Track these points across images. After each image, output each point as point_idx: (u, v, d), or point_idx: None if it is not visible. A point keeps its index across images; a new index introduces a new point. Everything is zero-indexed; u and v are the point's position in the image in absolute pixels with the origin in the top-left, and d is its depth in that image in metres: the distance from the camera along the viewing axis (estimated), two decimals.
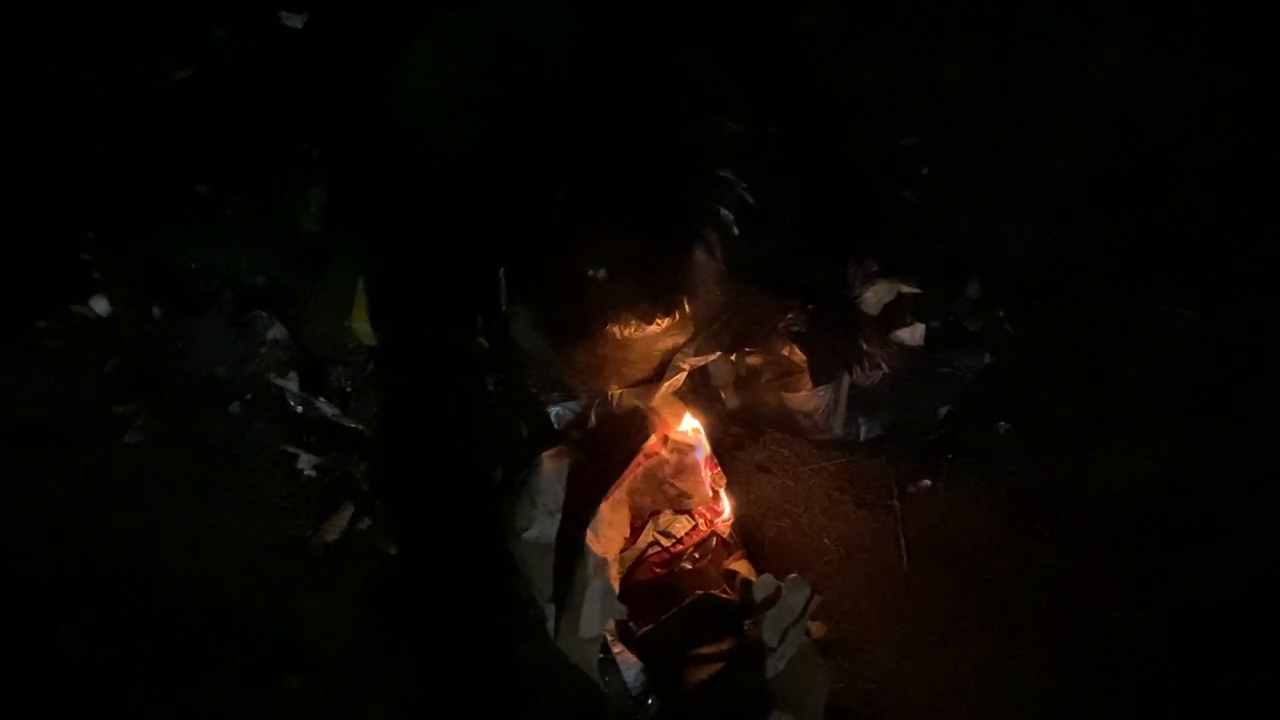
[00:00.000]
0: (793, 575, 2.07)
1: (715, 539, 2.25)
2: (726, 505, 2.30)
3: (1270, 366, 2.59)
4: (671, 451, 2.26)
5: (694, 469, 2.26)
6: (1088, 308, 2.66)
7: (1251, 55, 2.88)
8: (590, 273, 2.16)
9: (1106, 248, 2.73)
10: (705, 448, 2.31)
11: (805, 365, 2.33)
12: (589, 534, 2.11)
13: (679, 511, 2.26)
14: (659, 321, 2.18)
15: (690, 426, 2.30)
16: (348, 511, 2.34)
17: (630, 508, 2.26)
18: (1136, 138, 2.84)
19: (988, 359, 2.35)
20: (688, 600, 2.15)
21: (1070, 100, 2.86)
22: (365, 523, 2.34)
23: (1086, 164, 2.82)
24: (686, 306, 2.18)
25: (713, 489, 2.29)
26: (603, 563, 2.07)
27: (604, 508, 2.17)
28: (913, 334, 2.31)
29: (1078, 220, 2.76)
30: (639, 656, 2.12)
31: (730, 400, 2.48)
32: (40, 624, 2.26)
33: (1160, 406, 2.55)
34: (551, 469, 2.28)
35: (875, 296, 2.34)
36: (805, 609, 2.05)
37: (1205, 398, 2.56)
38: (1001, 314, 2.39)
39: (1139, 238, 2.73)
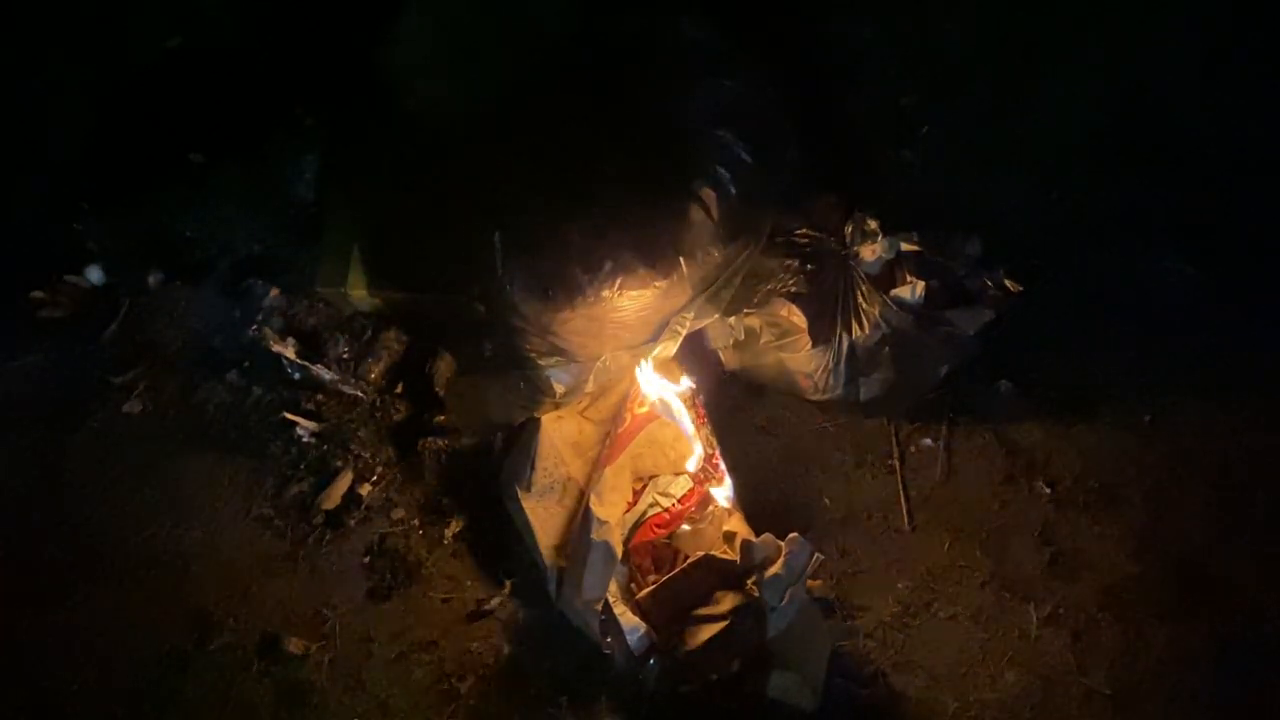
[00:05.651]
0: (793, 535, 2.07)
1: (714, 499, 2.24)
2: (723, 467, 2.29)
3: (1272, 322, 2.59)
4: (668, 413, 2.25)
5: (689, 430, 2.25)
6: (1089, 265, 2.65)
7: (1253, 12, 2.85)
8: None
9: (1108, 205, 2.72)
10: (699, 409, 2.31)
11: (804, 326, 2.32)
12: (592, 497, 2.11)
13: (677, 473, 2.26)
14: (656, 284, 2.16)
15: (686, 388, 2.29)
16: (347, 477, 2.34)
17: (631, 471, 2.25)
18: (1136, 95, 2.82)
19: (988, 317, 2.34)
20: (689, 561, 2.15)
21: (1070, 58, 2.84)
22: (364, 488, 2.34)
23: (1087, 121, 2.81)
24: (684, 268, 2.16)
25: (709, 450, 2.29)
26: (605, 526, 2.07)
27: (607, 471, 2.17)
28: (913, 293, 2.30)
29: (1078, 178, 2.75)
30: (641, 617, 2.12)
31: (729, 362, 2.47)
32: (43, 595, 2.27)
33: (1161, 363, 2.56)
34: (552, 432, 2.28)
35: (874, 255, 2.32)
36: (806, 568, 2.05)
37: (1207, 353, 2.56)
38: (1002, 272, 2.37)
39: (1140, 194, 2.72)
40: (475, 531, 2.34)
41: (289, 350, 2.38)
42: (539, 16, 2.38)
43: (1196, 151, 2.75)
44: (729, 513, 2.25)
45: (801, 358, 2.34)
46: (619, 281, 2.15)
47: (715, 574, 2.13)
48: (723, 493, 2.25)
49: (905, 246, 2.33)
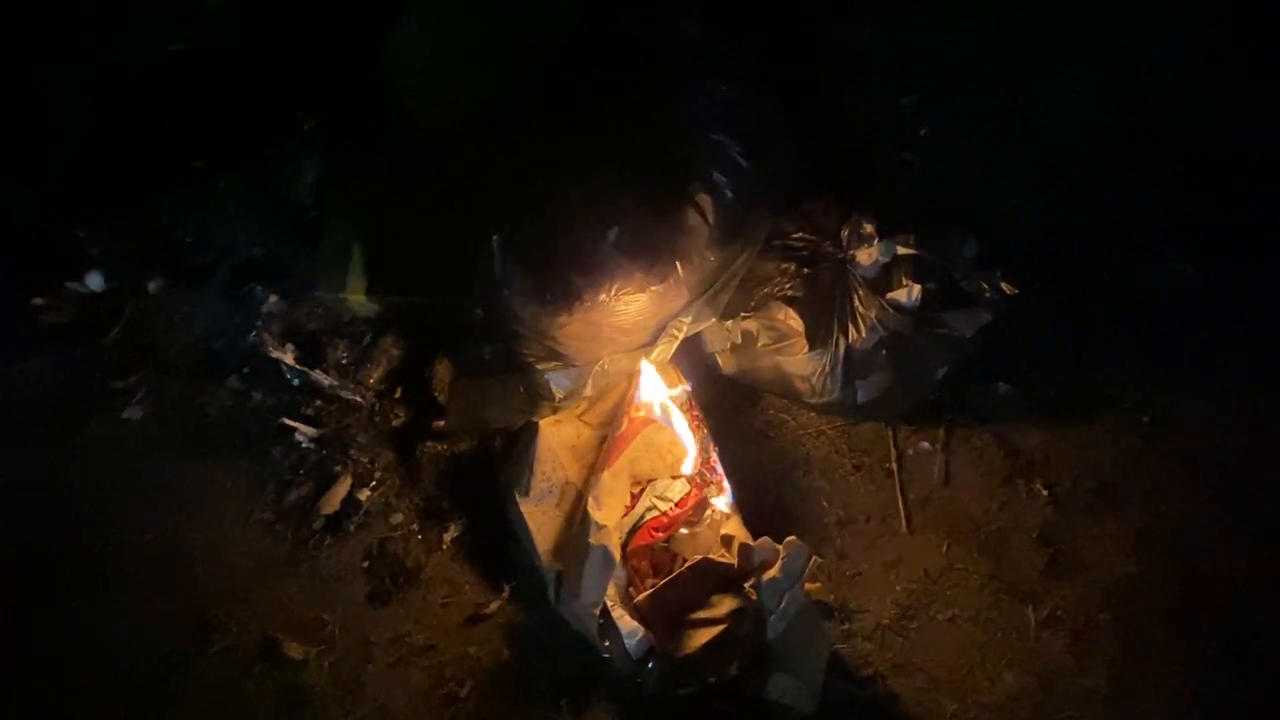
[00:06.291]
0: (791, 538, 2.07)
1: (712, 503, 2.25)
2: (720, 471, 2.29)
3: (1272, 322, 2.58)
4: (664, 417, 2.25)
5: (684, 434, 2.26)
6: (1087, 266, 2.64)
7: (1253, 12, 2.83)
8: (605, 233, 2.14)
9: (1106, 205, 2.71)
10: (695, 412, 2.31)
11: (801, 329, 2.32)
12: (590, 501, 2.12)
13: (675, 477, 2.26)
14: (653, 288, 2.16)
15: (681, 391, 2.29)
16: (346, 482, 2.35)
17: (629, 475, 2.26)
18: (1136, 95, 2.81)
19: (986, 319, 2.33)
20: (687, 565, 2.16)
21: (1070, 58, 2.82)
22: (364, 493, 2.35)
23: (1085, 121, 2.80)
24: (680, 272, 2.16)
25: (704, 453, 2.29)
26: (603, 530, 2.08)
27: (605, 475, 2.18)
28: (909, 295, 2.29)
29: (1078, 178, 2.74)
30: (639, 621, 2.12)
31: (726, 366, 2.47)
32: (45, 598, 2.29)
33: (1161, 363, 2.55)
34: (550, 437, 2.29)
35: (871, 258, 2.32)
36: (804, 571, 2.05)
37: (1207, 353, 2.55)
38: (999, 273, 2.37)
39: (1138, 194, 2.71)
40: (474, 536, 2.35)
41: (288, 356, 2.39)
42: (538, 19, 2.38)
43: (1196, 151, 2.74)
44: (727, 516, 2.25)
45: (798, 361, 2.34)
46: (616, 286, 2.15)
47: (713, 577, 2.13)
48: (723, 500, 2.26)
49: (902, 250, 2.32)
